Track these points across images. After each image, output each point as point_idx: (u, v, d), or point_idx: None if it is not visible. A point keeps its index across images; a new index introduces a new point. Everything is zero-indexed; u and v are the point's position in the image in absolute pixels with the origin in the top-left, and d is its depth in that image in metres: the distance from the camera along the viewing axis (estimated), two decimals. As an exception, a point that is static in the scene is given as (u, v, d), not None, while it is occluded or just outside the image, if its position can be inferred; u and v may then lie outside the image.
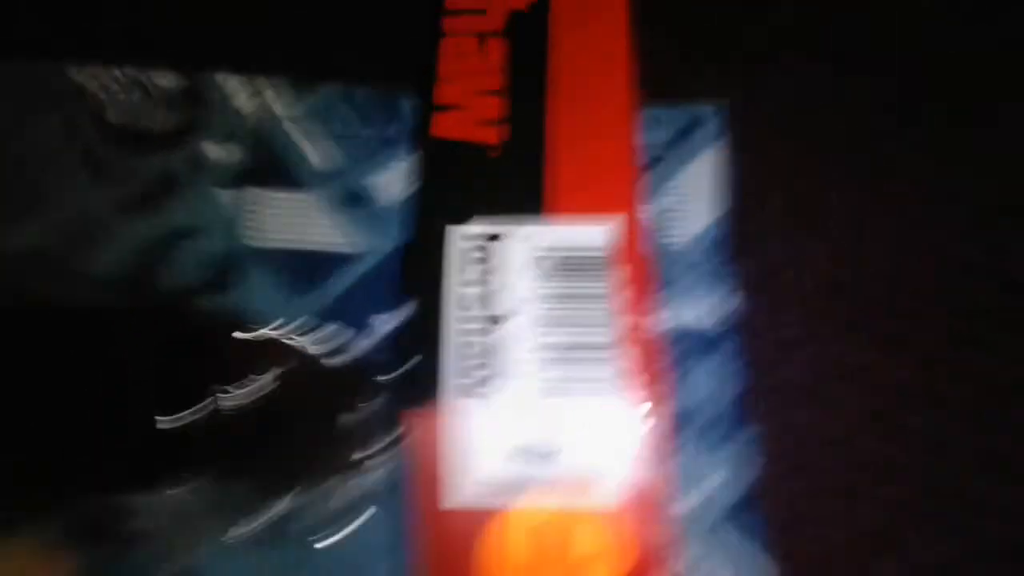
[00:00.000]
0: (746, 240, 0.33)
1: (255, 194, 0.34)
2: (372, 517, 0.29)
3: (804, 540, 0.29)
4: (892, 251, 0.34)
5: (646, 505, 0.23)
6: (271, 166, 0.34)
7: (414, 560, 0.23)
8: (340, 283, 0.33)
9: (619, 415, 0.23)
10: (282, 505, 0.29)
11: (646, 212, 0.26)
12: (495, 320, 0.24)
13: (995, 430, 0.31)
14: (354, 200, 0.34)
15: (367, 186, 0.34)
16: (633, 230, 0.26)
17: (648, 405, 0.23)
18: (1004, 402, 0.31)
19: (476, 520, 0.23)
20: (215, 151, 0.35)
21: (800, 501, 0.29)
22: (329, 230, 0.34)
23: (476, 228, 0.25)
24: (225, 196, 0.34)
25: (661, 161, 0.34)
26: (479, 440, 0.23)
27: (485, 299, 0.24)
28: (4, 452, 0.29)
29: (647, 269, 0.25)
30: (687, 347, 0.32)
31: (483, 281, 0.25)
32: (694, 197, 0.34)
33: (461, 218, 0.26)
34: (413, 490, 0.23)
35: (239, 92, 0.35)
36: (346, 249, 0.34)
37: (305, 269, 0.33)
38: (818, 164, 0.35)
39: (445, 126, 0.27)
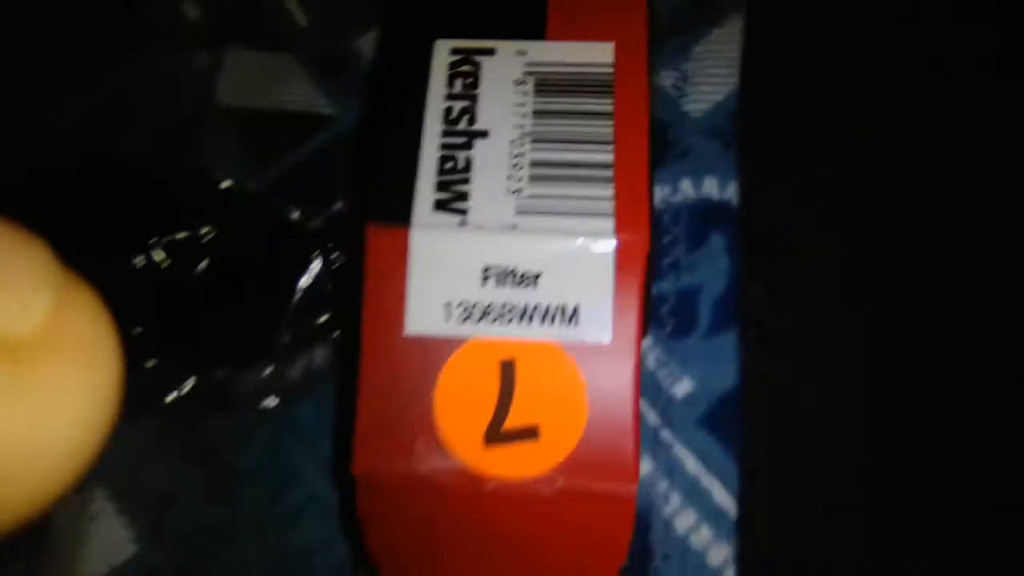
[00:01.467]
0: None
1: (232, 53, 0.31)
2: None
3: (775, 457, 0.26)
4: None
5: (621, 352, 0.20)
6: (251, 25, 0.32)
7: (370, 391, 0.20)
8: (317, 145, 0.30)
9: (609, 243, 0.20)
10: (225, 374, 0.25)
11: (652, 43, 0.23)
12: (481, 134, 0.21)
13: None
14: (337, 61, 0.31)
15: (351, 47, 0.32)
16: (639, 55, 0.23)
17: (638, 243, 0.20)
18: None
19: (441, 348, 0.20)
20: (192, 9, 0.32)
21: (778, 416, 0.26)
22: (308, 91, 0.31)
23: (466, 42, 0.22)
24: (199, 55, 0.31)
25: (682, 26, 0.31)
26: (451, 261, 0.20)
27: (471, 113, 0.21)
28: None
29: (646, 100, 0.22)
30: (702, 217, 0.28)
31: (471, 95, 0.22)
32: (714, 64, 0.31)
33: (449, 33, 0.23)
34: (374, 314, 0.20)
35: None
36: (326, 111, 0.31)
37: (280, 131, 0.30)
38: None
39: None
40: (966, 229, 0.28)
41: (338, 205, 0.28)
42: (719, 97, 0.31)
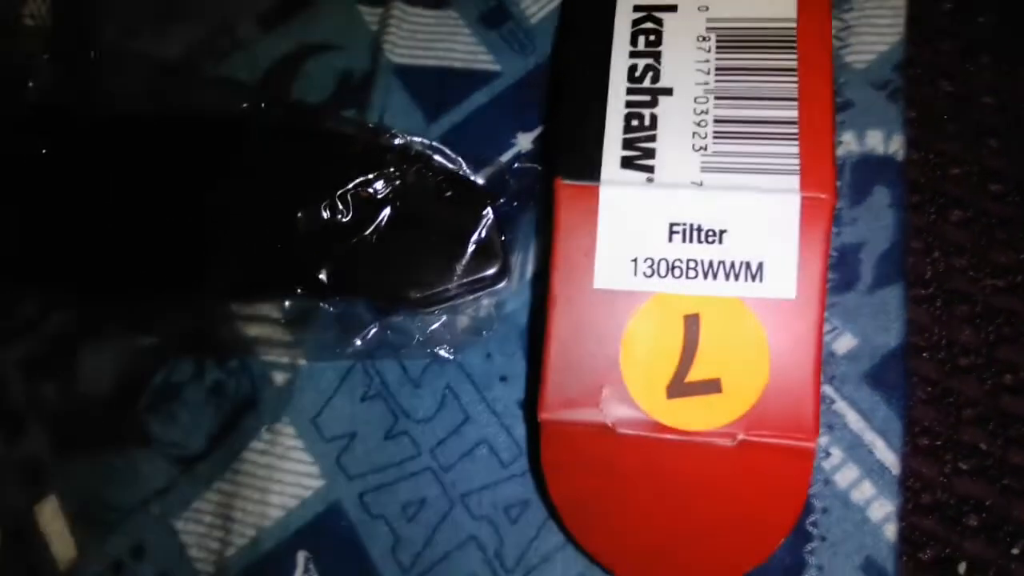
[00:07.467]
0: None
1: (400, 11, 0.32)
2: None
3: (939, 415, 0.26)
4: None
5: (804, 308, 0.20)
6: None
7: (558, 342, 0.21)
8: (481, 100, 0.31)
9: (795, 200, 0.20)
10: (402, 321, 0.27)
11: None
12: (665, 92, 0.21)
13: None
14: (499, 17, 0.32)
15: (513, 3, 0.32)
16: (822, 7, 0.22)
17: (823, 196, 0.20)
18: None
19: (628, 302, 0.21)
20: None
21: (942, 376, 0.26)
22: (472, 47, 0.32)
23: (649, -1, 0.23)
24: (369, 14, 0.32)
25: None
26: (638, 217, 0.20)
27: (655, 70, 0.22)
28: (135, 255, 0.28)
29: (830, 54, 0.22)
30: (865, 171, 0.28)
31: (654, 53, 0.22)
32: (878, 13, 0.30)
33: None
34: (564, 267, 0.20)
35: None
36: (488, 66, 0.31)
37: (446, 86, 0.31)
38: None
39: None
40: None
41: (504, 158, 0.29)
42: (883, 47, 0.30)
